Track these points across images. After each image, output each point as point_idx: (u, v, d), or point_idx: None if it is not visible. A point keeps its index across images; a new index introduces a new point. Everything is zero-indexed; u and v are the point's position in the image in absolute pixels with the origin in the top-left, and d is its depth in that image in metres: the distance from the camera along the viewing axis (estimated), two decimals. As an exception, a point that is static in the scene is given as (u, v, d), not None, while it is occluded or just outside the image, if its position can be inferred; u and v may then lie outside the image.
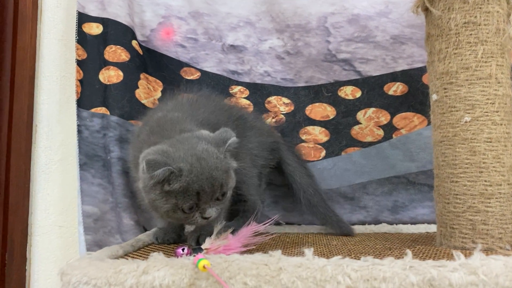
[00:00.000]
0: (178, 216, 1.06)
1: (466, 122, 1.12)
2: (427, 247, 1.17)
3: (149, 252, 1.15)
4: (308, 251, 0.90)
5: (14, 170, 1.77)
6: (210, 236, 1.19)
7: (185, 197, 1.03)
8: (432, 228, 1.55)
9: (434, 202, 1.23)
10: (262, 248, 1.17)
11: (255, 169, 1.46)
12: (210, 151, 1.06)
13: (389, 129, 1.74)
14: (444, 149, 1.17)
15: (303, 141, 1.78)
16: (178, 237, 1.33)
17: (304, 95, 1.79)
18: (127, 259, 1.07)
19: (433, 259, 0.86)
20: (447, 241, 1.15)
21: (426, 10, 1.24)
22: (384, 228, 1.63)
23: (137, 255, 1.14)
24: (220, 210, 1.10)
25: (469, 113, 1.12)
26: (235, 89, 1.80)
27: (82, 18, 1.72)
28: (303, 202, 1.52)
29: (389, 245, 1.24)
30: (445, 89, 1.17)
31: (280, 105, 1.80)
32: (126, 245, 1.23)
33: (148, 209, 1.15)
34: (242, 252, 1.05)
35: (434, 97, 1.21)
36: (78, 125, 1.67)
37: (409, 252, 0.86)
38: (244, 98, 1.80)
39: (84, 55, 1.71)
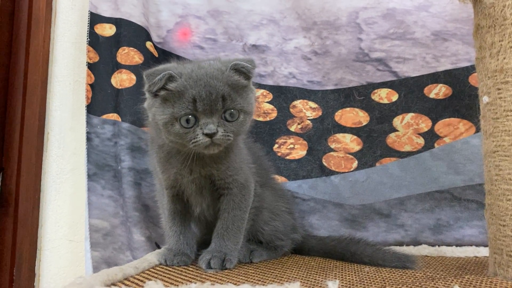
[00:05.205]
0: (177, 131, 1.02)
1: (526, 128, 0.98)
2: (478, 277, 1.02)
3: (153, 276, 1.03)
4: (332, 285, 0.74)
5: (24, 180, 1.70)
6: (223, 260, 1.07)
7: (182, 104, 1.01)
8: (482, 251, 1.40)
9: (486, 222, 1.08)
10: (280, 276, 1.02)
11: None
12: (213, 64, 1.07)
13: (430, 137, 1.60)
14: (498, 161, 1.02)
15: (332, 150, 1.64)
16: (188, 259, 1.19)
17: (333, 99, 1.67)
18: (122, 285, 0.95)
19: (488, 297, 0.70)
20: (504, 271, 1.00)
21: (474, -2, 1.08)
22: (424, 250, 1.47)
23: (138, 280, 1.02)
24: (229, 135, 1.04)
25: (529, 118, 0.98)
26: (258, 92, 1.67)
27: (95, 18, 1.65)
28: (347, 256, 1.26)
29: (431, 273, 1.09)
30: (498, 89, 1.02)
31: (306, 110, 1.67)
32: (128, 267, 1.10)
33: (151, 132, 1.18)
34: (254, 283, 0.90)
35: (485, 99, 1.06)
36: (88, 133, 1.58)
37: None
38: (267, 102, 1.67)
39: (96, 58, 1.62)
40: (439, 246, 1.51)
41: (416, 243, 1.54)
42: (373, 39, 1.61)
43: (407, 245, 1.54)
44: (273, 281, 0.96)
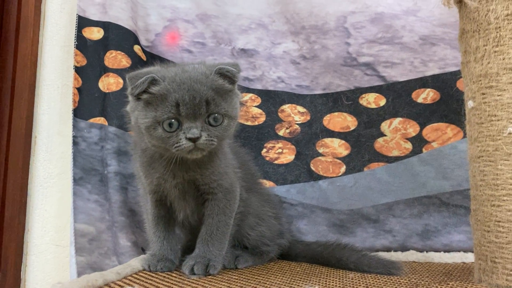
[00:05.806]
0: (160, 135, 1.01)
1: (510, 133, 0.97)
2: (462, 284, 1.01)
3: (134, 282, 1.02)
4: (311, 291, 0.73)
5: (11, 184, 1.67)
6: (206, 266, 1.06)
7: (164, 108, 0.99)
8: (470, 257, 1.39)
9: (471, 228, 1.07)
10: (263, 282, 1.01)
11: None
12: (198, 68, 1.05)
13: (418, 142, 1.59)
14: (482, 166, 1.01)
15: (320, 154, 1.62)
16: (172, 265, 1.17)
17: (322, 103, 1.65)
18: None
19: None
20: (488, 278, 0.99)
21: (459, 2, 1.10)
22: (412, 256, 1.46)
23: (118, 286, 1.00)
24: (213, 139, 1.02)
25: (513, 122, 0.97)
26: (246, 96, 1.66)
27: (83, 22, 1.63)
28: (333, 262, 1.25)
29: (416, 279, 1.08)
30: (483, 94, 1.02)
31: (295, 114, 1.66)
32: (109, 272, 1.09)
33: (134, 136, 1.17)
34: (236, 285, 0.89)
35: (470, 104, 1.06)
36: (74, 136, 1.56)
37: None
38: (256, 106, 1.66)
39: (83, 62, 1.61)
40: (427, 252, 1.49)
41: (404, 248, 1.51)
42: (361, 43, 1.60)
43: (395, 250, 1.51)
44: (255, 287, 0.95)
